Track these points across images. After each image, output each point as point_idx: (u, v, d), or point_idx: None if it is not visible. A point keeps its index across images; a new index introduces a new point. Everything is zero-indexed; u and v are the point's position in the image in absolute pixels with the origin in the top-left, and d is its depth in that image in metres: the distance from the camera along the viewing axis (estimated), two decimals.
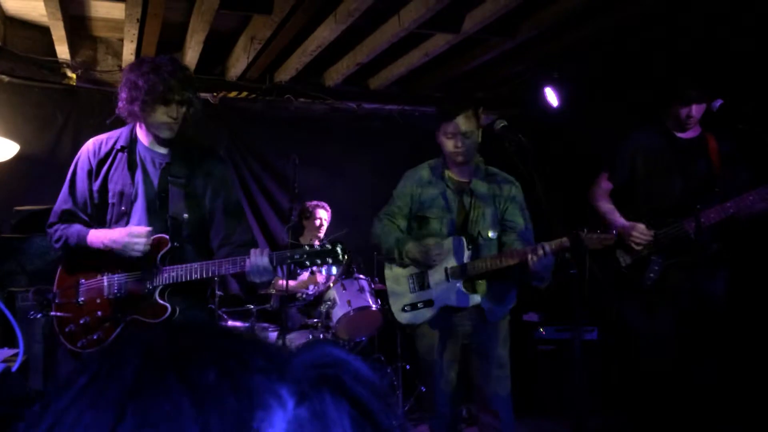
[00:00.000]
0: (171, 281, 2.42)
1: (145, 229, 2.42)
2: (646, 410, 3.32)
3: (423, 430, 3.67)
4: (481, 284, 2.99)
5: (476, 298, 2.95)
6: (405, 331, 3.13)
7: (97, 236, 2.45)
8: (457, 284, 2.96)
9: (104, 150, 2.54)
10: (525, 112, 5.38)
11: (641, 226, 3.22)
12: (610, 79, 4.88)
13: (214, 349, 0.43)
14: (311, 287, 4.70)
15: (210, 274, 2.42)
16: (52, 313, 2.49)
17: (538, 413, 4.61)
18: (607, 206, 3.42)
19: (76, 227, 2.50)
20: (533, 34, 4.42)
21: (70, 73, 4.95)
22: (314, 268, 4.83)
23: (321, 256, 2.40)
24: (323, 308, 4.38)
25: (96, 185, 2.52)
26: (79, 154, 2.58)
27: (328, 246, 2.41)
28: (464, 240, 2.96)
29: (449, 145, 2.94)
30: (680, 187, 3.23)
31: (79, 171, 2.55)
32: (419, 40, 4.68)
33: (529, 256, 2.73)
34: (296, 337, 4.37)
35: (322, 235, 4.98)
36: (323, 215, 5.02)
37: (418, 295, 3.02)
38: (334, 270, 4.79)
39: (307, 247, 2.42)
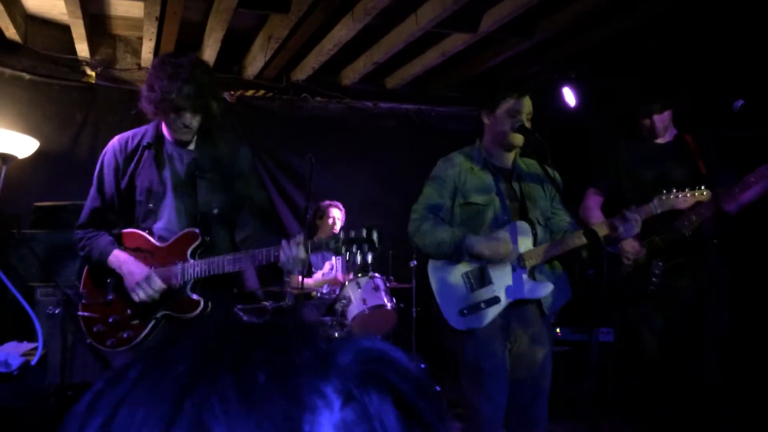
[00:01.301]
0: (203, 274, 2.39)
1: (162, 286, 2.39)
2: (654, 413, 3.30)
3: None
4: (544, 272, 2.68)
5: (550, 286, 2.60)
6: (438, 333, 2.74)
7: (118, 260, 2.43)
8: (524, 273, 2.61)
9: (130, 147, 2.51)
10: (541, 111, 5.34)
11: (631, 241, 3.22)
12: (627, 80, 4.84)
13: (264, 347, 0.43)
14: (326, 287, 4.71)
15: (242, 266, 2.39)
16: (79, 313, 2.46)
17: (552, 416, 4.56)
18: (598, 220, 3.43)
19: (103, 241, 2.46)
20: (550, 34, 4.40)
21: (89, 71, 5.01)
22: (330, 265, 4.84)
23: (358, 242, 2.35)
24: (338, 306, 4.39)
25: (123, 183, 2.49)
26: (104, 151, 2.54)
27: (364, 232, 2.36)
28: (528, 225, 2.66)
29: (512, 123, 2.67)
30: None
31: (105, 169, 2.51)
32: (436, 39, 4.67)
33: (618, 225, 2.51)
34: None
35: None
36: (337, 214, 5.03)
37: (479, 293, 2.60)
38: (370, 257, 4.75)
39: (342, 234, 2.37)
